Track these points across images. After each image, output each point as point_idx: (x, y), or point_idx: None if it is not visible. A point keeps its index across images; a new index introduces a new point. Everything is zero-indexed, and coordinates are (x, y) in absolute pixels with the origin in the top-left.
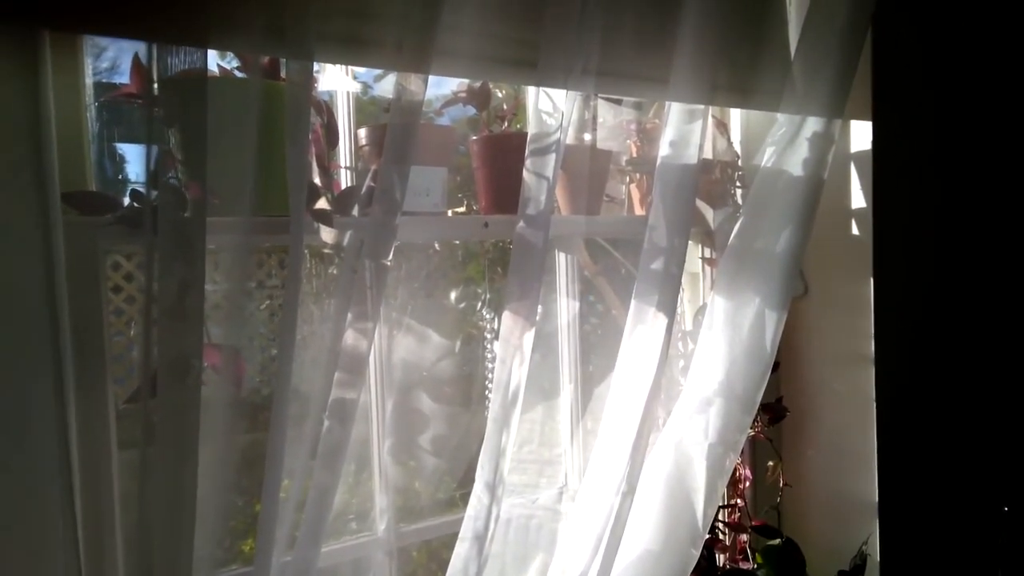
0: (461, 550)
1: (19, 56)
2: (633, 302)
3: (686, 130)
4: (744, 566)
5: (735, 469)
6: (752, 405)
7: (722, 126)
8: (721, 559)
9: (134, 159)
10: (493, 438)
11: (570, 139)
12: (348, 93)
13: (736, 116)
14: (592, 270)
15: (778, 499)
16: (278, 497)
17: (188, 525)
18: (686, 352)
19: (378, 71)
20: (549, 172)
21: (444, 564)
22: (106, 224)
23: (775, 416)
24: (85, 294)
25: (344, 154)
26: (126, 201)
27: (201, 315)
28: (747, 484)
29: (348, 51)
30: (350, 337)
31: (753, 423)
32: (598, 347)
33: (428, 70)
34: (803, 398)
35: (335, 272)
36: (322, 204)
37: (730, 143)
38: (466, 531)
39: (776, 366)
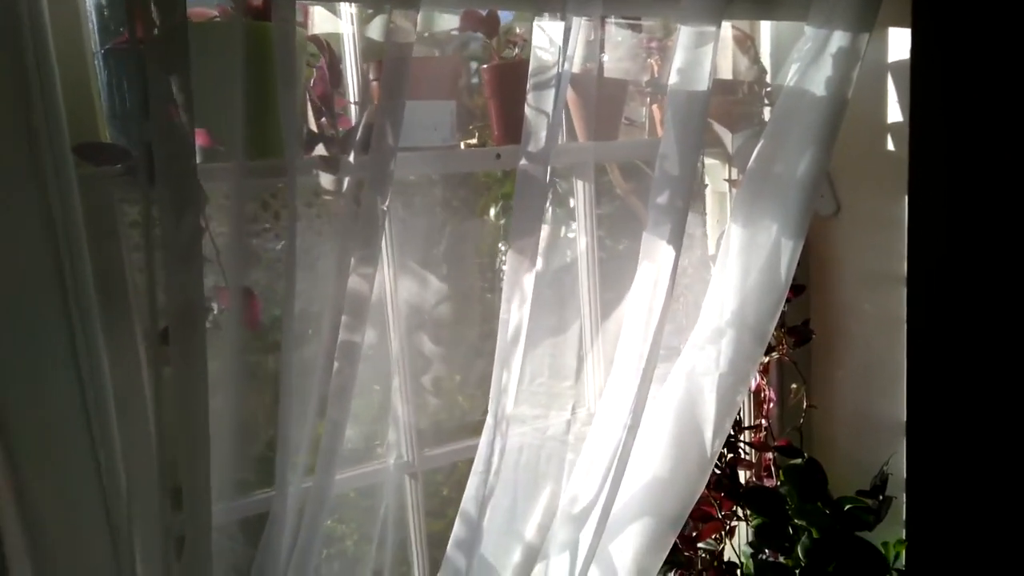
0: (474, 479)
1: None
2: (644, 234)
3: (695, 55)
4: (768, 483)
5: (760, 390)
6: (764, 335)
7: (747, 41)
8: (745, 477)
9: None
10: (496, 376)
11: (580, 65)
12: (355, 27)
13: (766, 28)
14: (624, 188)
15: (801, 420)
16: (290, 429)
17: (204, 455)
18: (709, 278)
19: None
20: (549, 107)
21: None
22: (117, 174)
23: (801, 339)
24: (103, 241)
25: (352, 89)
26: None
27: (200, 257)
28: (771, 405)
29: None
30: (353, 281)
31: (778, 345)
32: (618, 277)
33: (417, 3)
34: (833, 319)
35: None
36: (320, 149)
37: (757, 60)
38: (478, 462)
39: (801, 289)
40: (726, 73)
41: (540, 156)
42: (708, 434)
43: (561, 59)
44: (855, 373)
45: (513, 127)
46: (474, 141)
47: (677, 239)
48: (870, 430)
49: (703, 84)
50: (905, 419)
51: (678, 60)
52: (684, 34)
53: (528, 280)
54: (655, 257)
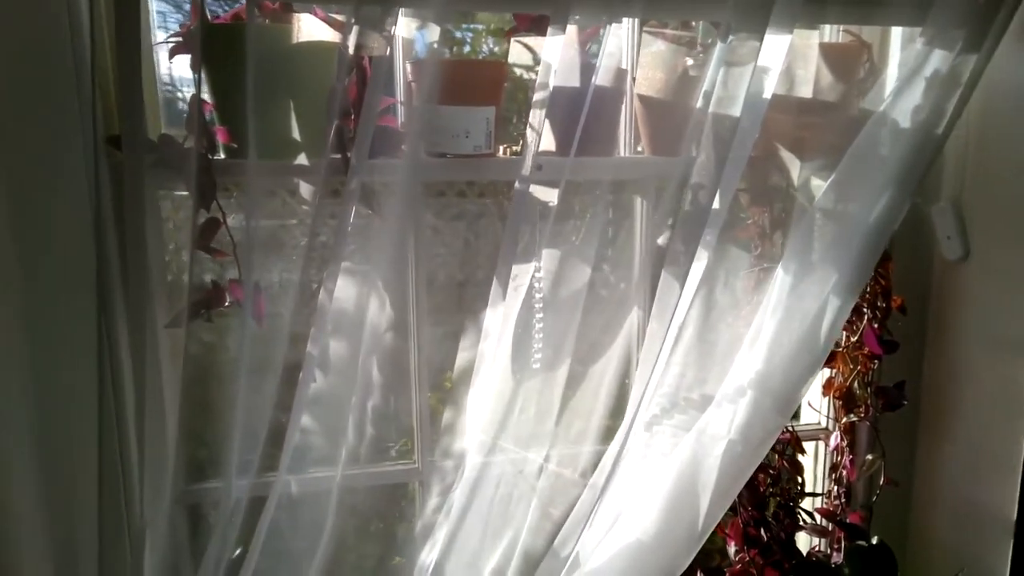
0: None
1: None
2: (663, 271)
3: (728, 75)
4: (836, 559)
5: (839, 452)
6: (788, 404)
7: (862, 51)
8: (808, 544)
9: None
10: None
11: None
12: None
13: (896, 36)
14: None
15: (874, 498)
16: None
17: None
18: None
19: None
20: (539, 126)
21: None
22: (149, 165)
23: (890, 402)
24: (133, 228)
25: (399, 88)
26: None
27: (144, 248)
28: (844, 472)
29: None
30: (321, 296)
31: (861, 406)
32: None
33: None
34: (946, 385)
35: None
36: (302, 159)
37: (870, 73)
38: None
39: (894, 346)
40: (806, 89)
41: (528, 179)
42: (703, 505)
43: (544, 73)
44: (964, 452)
45: (564, 136)
46: (518, 149)
47: (682, 282)
48: (973, 521)
49: (735, 109)
50: (1015, 518)
51: (707, 80)
52: (719, 49)
53: (490, 317)
54: (659, 301)
